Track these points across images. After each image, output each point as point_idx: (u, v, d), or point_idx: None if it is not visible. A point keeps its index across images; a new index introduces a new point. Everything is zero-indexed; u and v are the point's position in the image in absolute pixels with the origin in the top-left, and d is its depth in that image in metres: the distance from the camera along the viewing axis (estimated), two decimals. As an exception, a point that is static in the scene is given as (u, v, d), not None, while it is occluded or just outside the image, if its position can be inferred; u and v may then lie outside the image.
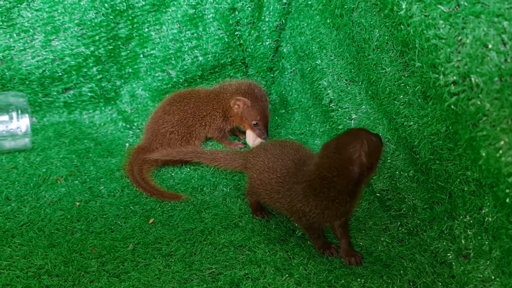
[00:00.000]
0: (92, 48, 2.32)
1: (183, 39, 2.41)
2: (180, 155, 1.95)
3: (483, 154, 1.19)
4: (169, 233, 1.75)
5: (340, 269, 1.56)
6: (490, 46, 1.19)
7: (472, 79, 1.20)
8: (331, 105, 2.02)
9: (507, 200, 1.17)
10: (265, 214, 1.86)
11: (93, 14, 2.28)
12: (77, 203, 1.89)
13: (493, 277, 1.37)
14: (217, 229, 1.76)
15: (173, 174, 2.16)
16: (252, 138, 2.21)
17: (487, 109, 1.17)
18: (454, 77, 1.25)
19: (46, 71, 2.31)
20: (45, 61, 2.29)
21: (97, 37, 2.31)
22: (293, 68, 2.41)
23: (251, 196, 1.84)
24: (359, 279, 1.51)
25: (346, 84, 1.99)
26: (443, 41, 1.28)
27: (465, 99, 1.23)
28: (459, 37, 1.25)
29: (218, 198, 1.97)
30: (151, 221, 1.83)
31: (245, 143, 2.31)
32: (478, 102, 1.20)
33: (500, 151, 1.15)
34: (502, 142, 1.14)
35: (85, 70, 2.36)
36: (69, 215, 1.82)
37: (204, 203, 1.93)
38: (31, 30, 2.26)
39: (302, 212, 1.59)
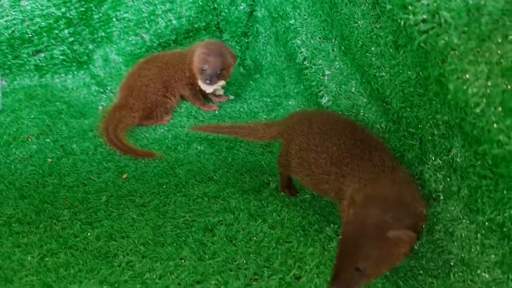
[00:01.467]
0: (63, 9, 2.28)
1: (156, 2, 2.39)
2: (216, 130, 1.93)
3: (451, 88, 1.22)
4: (143, 187, 1.75)
5: (313, 215, 1.58)
6: (458, -17, 1.22)
7: (441, 15, 1.23)
8: (304, 63, 2.03)
9: (474, 132, 1.20)
10: (294, 191, 1.71)
11: (64, -27, 2.24)
12: (49, 160, 1.86)
13: (461, 216, 1.40)
14: (191, 182, 1.76)
15: (146, 134, 2.14)
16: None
17: (455, 43, 1.20)
18: (424, 16, 1.27)
19: (16, 32, 2.26)
20: (14, 22, 2.24)
21: (68, -2, 2.27)
22: (268, 32, 2.41)
23: (284, 169, 1.65)
24: (332, 225, 1.53)
25: (319, 41, 2.00)
26: (413, -19, 1.30)
27: (434, 35, 1.25)
28: (428, -24, 1.27)
29: (192, 155, 1.97)
30: (124, 176, 1.82)
31: (219, 106, 2.30)
32: (446, 38, 1.22)
33: (467, 83, 1.17)
34: (468, 74, 1.17)
35: (56, 32, 2.32)
36: (40, 170, 1.80)
37: (178, 160, 1.93)
38: (-1, -11, 2.21)
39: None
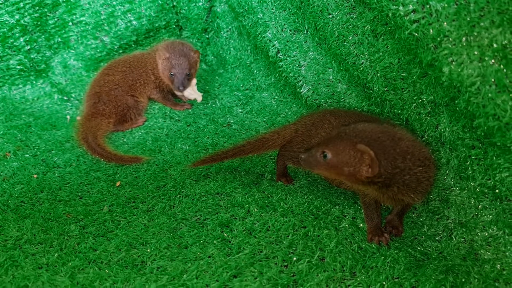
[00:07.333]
0: (17, 17, 2.16)
1: (114, 3, 2.33)
2: (219, 158, 1.76)
3: (446, 71, 1.35)
4: (141, 192, 1.74)
5: (316, 200, 1.67)
6: (443, -25, 1.34)
7: (431, 5, 1.35)
8: (279, 56, 2.10)
9: (469, 108, 1.34)
10: (290, 179, 1.80)
11: (14, -21, 2.13)
12: (35, 176, 1.79)
13: (452, 183, 1.56)
14: (188, 182, 1.78)
15: (125, 139, 2.11)
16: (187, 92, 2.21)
17: (447, 30, 1.33)
18: (414, 6, 1.39)
19: (-33, 44, 2.12)
20: (-35, 33, 2.11)
21: (21, 4, 2.15)
22: (230, 27, 2.45)
23: (291, 161, 1.73)
24: (337, 206, 1.63)
25: (291, 34, 2.08)
26: (399, -26, 1.41)
27: (426, 24, 1.37)
28: (414, -30, 1.39)
29: (179, 156, 1.98)
30: (118, 184, 1.80)
31: (192, 103, 2.32)
32: (438, 26, 1.35)
33: (462, 65, 1.31)
34: (464, 56, 1.31)
35: (11, 41, 2.20)
36: (30, 188, 1.73)
37: (167, 162, 1.93)
38: None
39: None
